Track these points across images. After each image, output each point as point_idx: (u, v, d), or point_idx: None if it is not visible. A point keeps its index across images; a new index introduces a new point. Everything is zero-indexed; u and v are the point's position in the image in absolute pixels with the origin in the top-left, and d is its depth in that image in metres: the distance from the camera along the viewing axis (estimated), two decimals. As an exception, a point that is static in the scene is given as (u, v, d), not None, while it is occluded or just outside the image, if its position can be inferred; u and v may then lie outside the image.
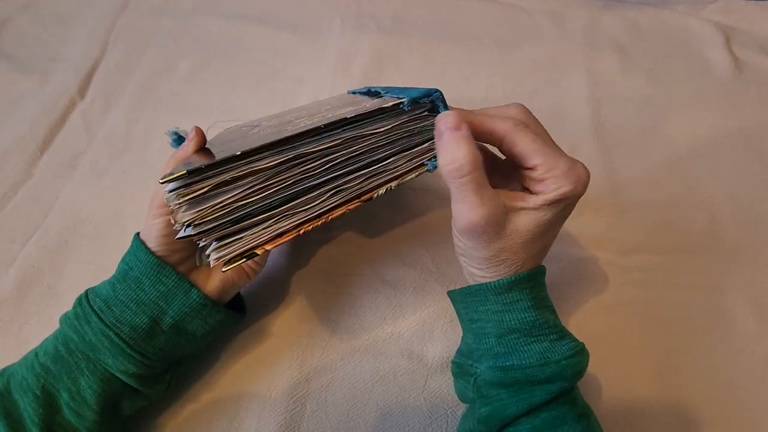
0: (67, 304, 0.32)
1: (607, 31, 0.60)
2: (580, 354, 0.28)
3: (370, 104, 0.28)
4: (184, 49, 0.60)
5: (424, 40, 0.59)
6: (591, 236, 0.44)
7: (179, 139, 0.36)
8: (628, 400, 0.36)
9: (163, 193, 0.27)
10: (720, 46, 0.58)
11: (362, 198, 0.29)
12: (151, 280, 0.31)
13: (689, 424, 0.36)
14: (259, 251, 0.27)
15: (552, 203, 0.27)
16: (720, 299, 0.41)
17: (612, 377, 0.37)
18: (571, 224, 0.45)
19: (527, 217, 0.28)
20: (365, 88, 0.37)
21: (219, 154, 0.26)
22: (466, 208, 0.26)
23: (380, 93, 0.32)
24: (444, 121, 0.26)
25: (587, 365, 0.29)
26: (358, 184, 0.29)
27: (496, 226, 0.27)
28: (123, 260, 0.32)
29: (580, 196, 0.28)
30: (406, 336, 0.39)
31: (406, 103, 0.28)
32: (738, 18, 0.61)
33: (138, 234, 0.33)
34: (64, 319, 0.32)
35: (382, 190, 0.30)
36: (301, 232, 0.28)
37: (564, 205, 0.28)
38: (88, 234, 0.45)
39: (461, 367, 0.32)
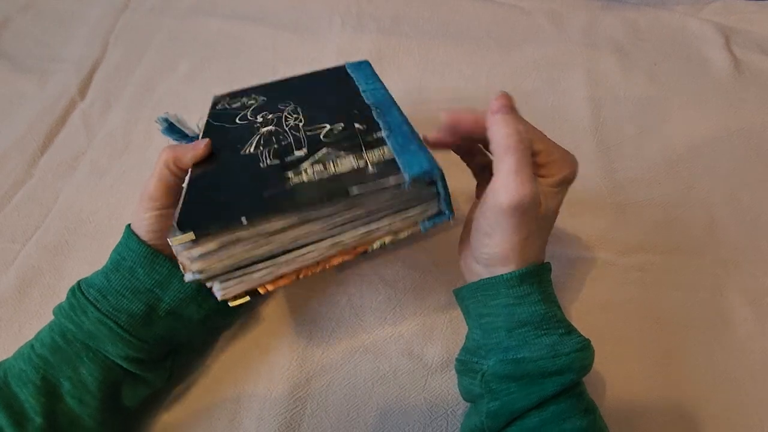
0: (68, 304, 0.32)
1: (606, 32, 0.60)
2: (587, 349, 0.29)
3: (373, 183, 0.28)
4: (184, 49, 0.60)
5: (424, 41, 0.60)
6: (590, 236, 0.44)
7: (170, 127, 0.36)
8: (627, 399, 0.36)
9: (152, 186, 0.30)
10: (719, 46, 0.58)
11: (357, 250, 0.30)
12: (145, 269, 0.31)
13: (688, 422, 0.36)
14: (261, 290, 0.29)
15: (557, 185, 0.29)
16: (719, 299, 0.41)
17: (611, 376, 0.37)
18: (570, 224, 0.45)
19: (545, 202, 0.29)
20: (371, 96, 0.36)
21: (223, 192, 0.29)
22: (520, 181, 0.27)
23: (379, 127, 0.32)
24: (500, 103, 0.29)
25: (593, 361, 0.29)
26: (355, 239, 0.30)
27: (536, 205, 0.28)
28: (115, 251, 0.33)
29: (572, 181, 0.30)
30: (406, 336, 0.39)
31: (407, 183, 0.28)
32: (737, 18, 0.61)
33: (129, 225, 0.33)
34: (59, 311, 0.32)
35: (376, 244, 0.31)
36: (300, 276, 0.30)
37: (563, 190, 0.30)
38: (88, 234, 0.45)
39: (466, 364, 0.32)
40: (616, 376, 0.37)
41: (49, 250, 0.44)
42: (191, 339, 0.35)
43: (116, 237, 0.44)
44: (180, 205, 0.28)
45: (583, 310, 0.40)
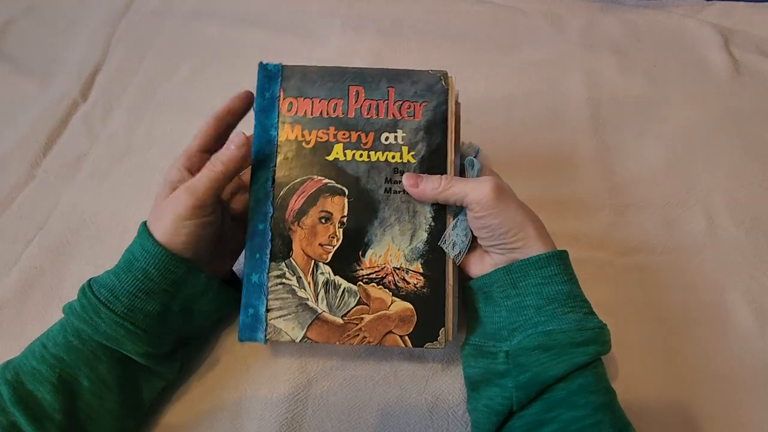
0: (70, 305, 0.32)
1: (605, 33, 0.61)
2: (606, 328, 0.32)
3: None
4: (184, 51, 0.60)
5: (423, 42, 0.60)
6: (590, 236, 0.44)
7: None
8: (627, 399, 0.36)
9: (187, 200, 0.31)
10: (718, 47, 0.58)
11: None
12: (160, 270, 0.31)
13: (689, 423, 0.36)
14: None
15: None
16: (719, 298, 0.41)
17: (612, 377, 0.37)
18: (570, 225, 0.45)
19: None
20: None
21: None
22: (476, 184, 0.32)
23: None
24: (408, 184, 0.34)
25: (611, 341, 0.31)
26: None
27: (502, 186, 0.33)
28: (128, 250, 0.33)
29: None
30: (407, 336, 0.39)
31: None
32: (736, 20, 0.62)
33: (145, 225, 0.33)
34: (70, 311, 0.32)
35: None
36: None
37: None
38: (89, 235, 0.45)
39: (481, 348, 0.34)
40: (617, 377, 0.37)
41: (51, 251, 0.44)
42: (201, 330, 0.37)
43: (118, 238, 0.45)
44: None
45: (583, 311, 0.40)
